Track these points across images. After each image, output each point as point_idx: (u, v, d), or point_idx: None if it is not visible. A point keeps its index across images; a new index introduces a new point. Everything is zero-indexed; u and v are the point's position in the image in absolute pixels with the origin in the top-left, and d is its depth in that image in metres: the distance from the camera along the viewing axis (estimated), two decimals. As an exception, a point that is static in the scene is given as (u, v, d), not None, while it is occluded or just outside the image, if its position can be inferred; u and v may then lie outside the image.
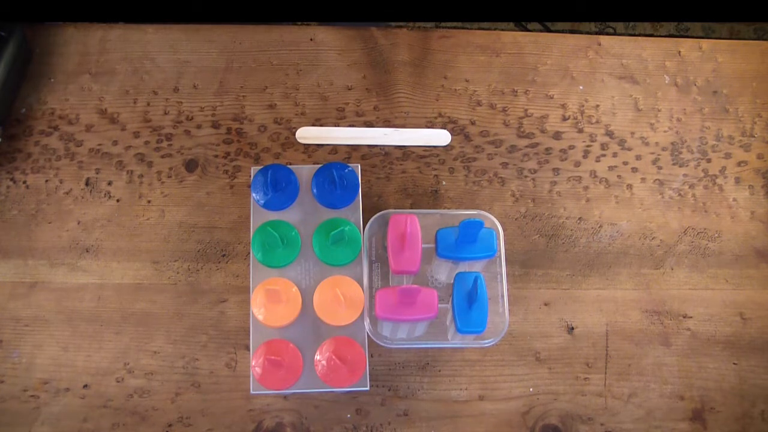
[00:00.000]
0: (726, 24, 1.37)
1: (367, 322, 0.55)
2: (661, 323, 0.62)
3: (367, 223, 0.58)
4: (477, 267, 0.58)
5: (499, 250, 0.57)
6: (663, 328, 0.61)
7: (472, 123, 0.67)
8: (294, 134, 0.66)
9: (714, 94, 0.70)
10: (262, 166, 0.61)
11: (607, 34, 1.33)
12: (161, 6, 0.67)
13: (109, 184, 0.64)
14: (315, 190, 0.61)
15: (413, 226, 0.55)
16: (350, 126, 0.67)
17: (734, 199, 0.66)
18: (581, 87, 0.69)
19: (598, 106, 0.68)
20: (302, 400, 0.58)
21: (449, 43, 0.70)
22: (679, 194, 0.66)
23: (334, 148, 0.66)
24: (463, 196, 0.65)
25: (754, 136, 0.68)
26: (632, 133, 0.68)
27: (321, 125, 0.66)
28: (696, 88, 0.70)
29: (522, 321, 0.61)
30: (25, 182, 0.63)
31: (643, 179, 0.66)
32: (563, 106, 0.68)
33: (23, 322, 0.59)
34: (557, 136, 0.67)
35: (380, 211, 0.58)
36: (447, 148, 0.66)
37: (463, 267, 0.58)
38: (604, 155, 0.67)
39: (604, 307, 0.62)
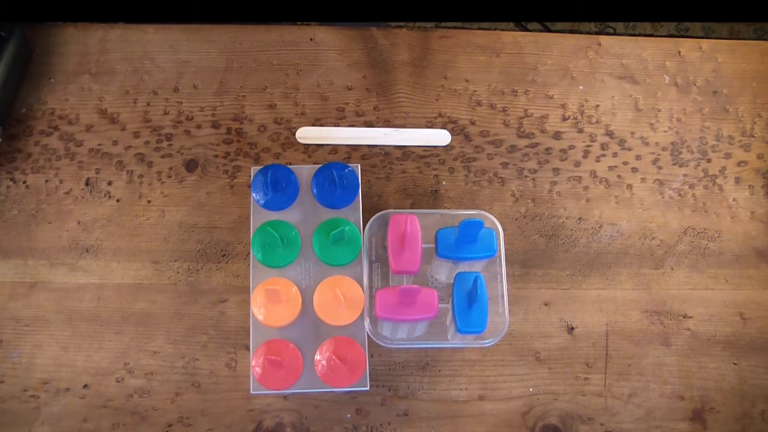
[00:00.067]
0: (726, 24, 1.37)
1: (367, 322, 0.55)
2: (661, 323, 0.62)
3: (367, 223, 0.58)
4: (477, 267, 0.58)
5: (499, 250, 0.57)
6: (663, 328, 0.61)
7: (472, 123, 0.67)
8: (294, 134, 0.66)
9: (714, 94, 0.70)
10: (262, 166, 0.61)
11: (607, 34, 1.33)
12: (161, 6, 0.67)
13: (109, 184, 0.64)
14: (315, 190, 0.61)
15: (413, 226, 0.55)
16: (350, 126, 0.67)
17: (734, 199, 0.66)
18: (581, 87, 0.69)
19: (598, 106, 0.68)
20: (302, 400, 0.58)
21: (449, 43, 0.70)
22: (679, 194, 0.66)
23: (334, 148, 0.66)
24: (463, 196, 0.65)
25: (754, 136, 0.68)
26: (632, 133, 0.68)
27: (321, 125, 0.66)
28: (696, 88, 0.70)
29: (522, 321, 0.61)
30: (25, 182, 0.63)
31: (643, 179, 0.66)
32: (563, 106, 0.68)
33: (23, 322, 0.59)
34: (557, 136, 0.67)
35: (380, 211, 0.58)
36: (447, 148, 0.66)
37: (463, 267, 0.58)
38: (604, 155, 0.67)
39: (604, 307, 0.62)
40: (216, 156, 0.65)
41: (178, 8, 0.67)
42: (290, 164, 0.63)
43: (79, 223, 0.62)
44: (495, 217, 0.58)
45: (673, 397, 0.59)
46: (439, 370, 0.59)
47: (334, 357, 0.55)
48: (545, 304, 0.62)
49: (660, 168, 0.67)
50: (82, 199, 0.63)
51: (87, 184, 0.63)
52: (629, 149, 0.67)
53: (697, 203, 0.66)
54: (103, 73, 0.67)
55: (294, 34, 0.70)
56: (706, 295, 0.63)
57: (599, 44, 0.71)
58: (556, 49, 0.70)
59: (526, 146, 0.67)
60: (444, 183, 0.65)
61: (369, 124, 0.67)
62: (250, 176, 0.64)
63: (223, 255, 0.62)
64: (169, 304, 0.60)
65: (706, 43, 0.71)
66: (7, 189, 0.63)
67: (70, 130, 0.65)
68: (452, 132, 0.67)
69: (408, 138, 0.66)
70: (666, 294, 0.63)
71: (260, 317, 0.56)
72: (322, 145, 0.66)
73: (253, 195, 0.60)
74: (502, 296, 0.56)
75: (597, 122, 0.68)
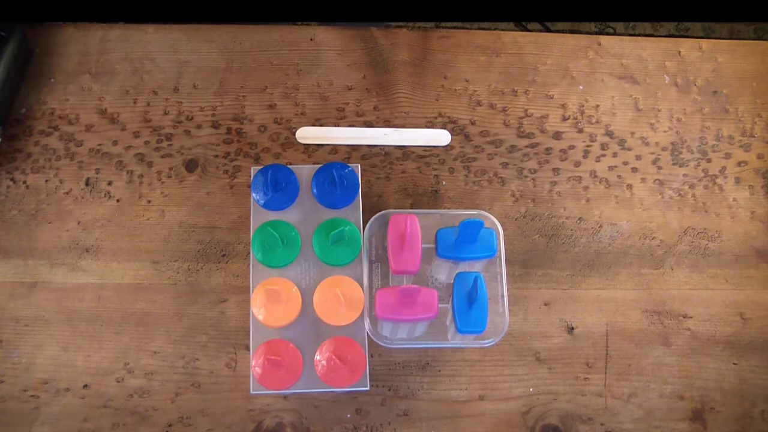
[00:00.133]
0: (726, 24, 1.37)
1: (367, 322, 0.55)
2: (661, 323, 0.62)
3: (367, 223, 0.58)
4: (477, 267, 0.58)
5: (499, 250, 0.57)
6: (663, 328, 0.61)
7: (472, 123, 0.67)
8: (294, 134, 0.66)
9: (714, 94, 0.70)
10: (262, 166, 0.61)
11: (607, 34, 1.33)
12: (161, 6, 0.67)
13: (109, 184, 0.64)
14: (315, 190, 0.61)
15: (413, 226, 0.55)
16: (350, 126, 0.67)
17: (734, 199, 0.66)
18: (581, 87, 0.69)
19: (598, 106, 0.68)
20: (302, 400, 0.58)
21: (449, 43, 0.70)
22: (679, 194, 0.66)
23: (334, 148, 0.66)
24: (463, 196, 0.65)
25: (754, 136, 0.68)
26: (632, 133, 0.68)
27: (321, 125, 0.66)
28: (696, 88, 0.70)
29: (522, 321, 0.61)
30: (25, 182, 0.63)
31: (643, 179, 0.66)
32: (563, 106, 0.68)
33: (23, 322, 0.59)
34: (557, 136, 0.67)
35: (380, 211, 0.58)
36: (447, 148, 0.66)
37: (463, 267, 0.58)
38: (604, 155, 0.67)
39: (604, 307, 0.62)
40: (216, 156, 0.65)
41: (178, 8, 0.67)
42: (290, 164, 0.63)
43: (79, 223, 0.62)
44: (495, 217, 0.58)
45: (673, 397, 0.59)
46: (439, 370, 0.59)
47: (334, 357, 0.55)
48: (545, 304, 0.62)
49: (660, 168, 0.67)
50: (82, 199, 0.63)
51: (87, 184, 0.63)
52: (629, 149, 0.67)
53: (697, 203, 0.66)
54: (103, 73, 0.67)
55: (294, 34, 0.70)
56: (706, 295, 0.63)
57: (599, 44, 0.71)
58: (556, 49, 0.70)
59: (526, 146, 0.67)
60: (444, 183, 0.65)
61: (369, 124, 0.67)
62: (250, 176, 0.64)
63: (223, 255, 0.62)
64: (169, 304, 0.60)
65: (706, 43, 0.71)
66: (7, 189, 0.63)
67: (70, 130, 0.65)
68: (452, 132, 0.67)
69: (408, 138, 0.66)
70: (666, 294, 0.63)
71: (260, 317, 0.56)
72: (322, 145, 0.66)
73: (253, 195, 0.60)
74: (502, 296, 0.56)
75: (597, 122, 0.68)
